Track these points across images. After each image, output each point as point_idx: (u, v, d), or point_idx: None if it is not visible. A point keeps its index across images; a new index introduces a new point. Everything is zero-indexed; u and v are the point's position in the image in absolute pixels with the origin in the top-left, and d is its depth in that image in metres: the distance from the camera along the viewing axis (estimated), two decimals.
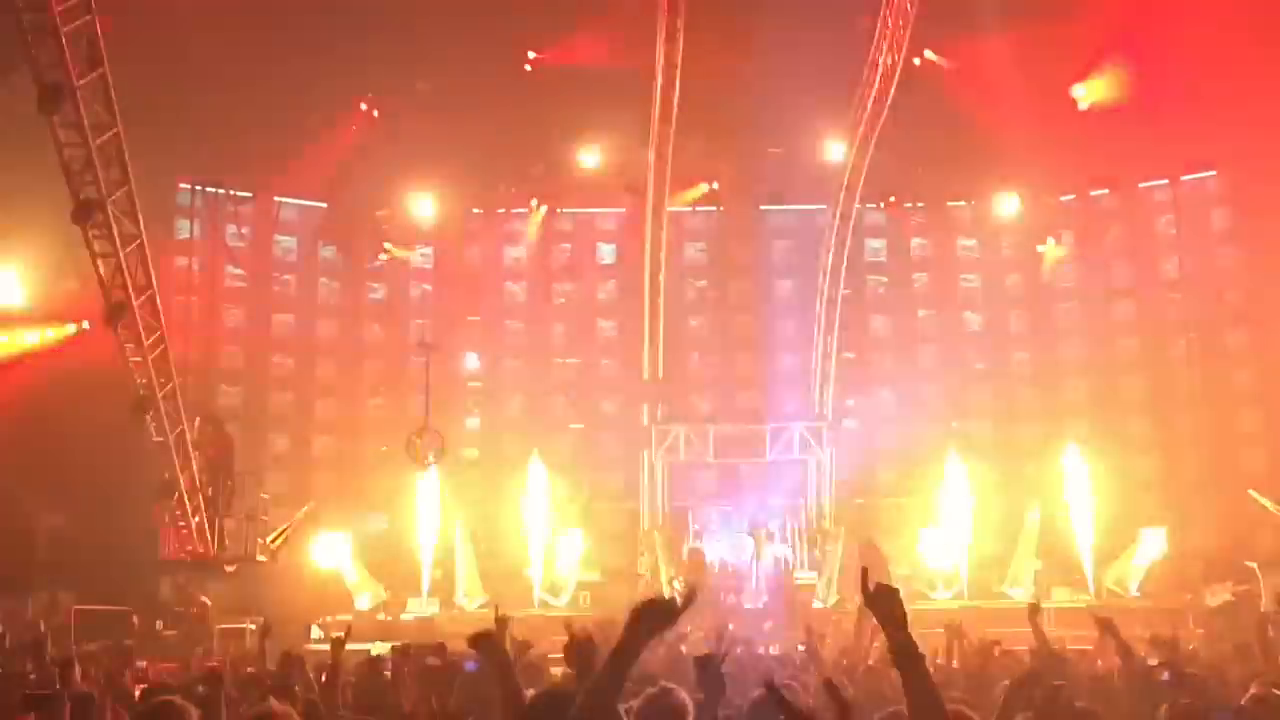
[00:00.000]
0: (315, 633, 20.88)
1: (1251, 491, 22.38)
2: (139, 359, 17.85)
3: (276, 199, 26.93)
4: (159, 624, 20.72)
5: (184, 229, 25.60)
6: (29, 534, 20.66)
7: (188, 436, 19.32)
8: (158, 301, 18.01)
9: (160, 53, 18.74)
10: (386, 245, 27.25)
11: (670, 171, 24.09)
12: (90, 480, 19.93)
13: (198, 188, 25.73)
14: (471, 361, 28.07)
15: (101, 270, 16.83)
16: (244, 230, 26.64)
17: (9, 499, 19.80)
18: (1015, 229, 27.77)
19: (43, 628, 17.72)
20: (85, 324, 20.73)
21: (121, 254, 16.80)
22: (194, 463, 19.50)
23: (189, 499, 19.43)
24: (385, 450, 25.19)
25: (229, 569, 20.68)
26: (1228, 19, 20.11)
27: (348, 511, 25.20)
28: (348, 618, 21.42)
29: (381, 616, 22.36)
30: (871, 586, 4.27)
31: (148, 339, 17.81)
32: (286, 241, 27.48)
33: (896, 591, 4.31)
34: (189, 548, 19.66)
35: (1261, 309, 24.81)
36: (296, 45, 20.56)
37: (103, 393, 19.07)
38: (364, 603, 22.94)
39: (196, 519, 19.72)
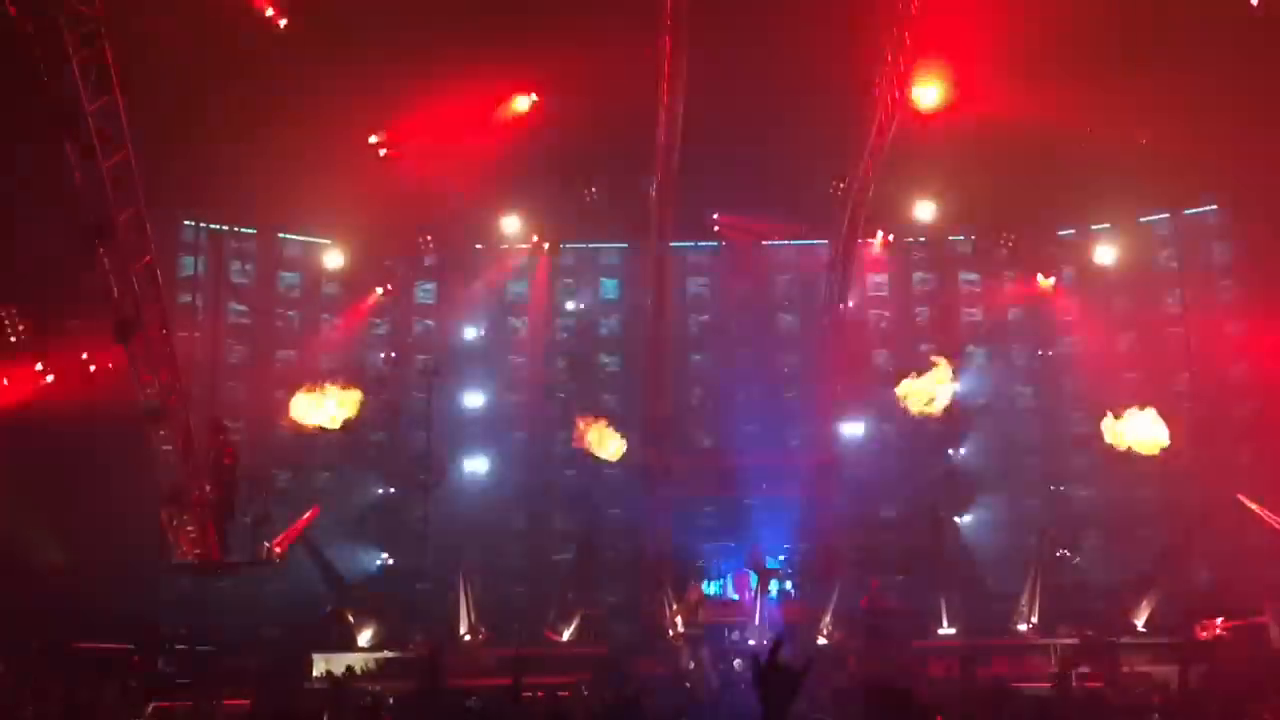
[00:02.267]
0: (318, 668, 20.90)
1: (1240, 496, 22.45)
2: (148, 372, 18.22)
3: (280, 235, 27.03)
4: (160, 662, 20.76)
5: (188, 266, 25.68)
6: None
7: (194, 444, 19.62)
8: (166, 316, 18.48)
9: (163, 92, 18.87)
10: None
11: (674, 208, 24.17)
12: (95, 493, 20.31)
13: (202, 224, 25.84)
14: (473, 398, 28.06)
15: (113, 287, 17.23)
16: (247, 267, 26.73)
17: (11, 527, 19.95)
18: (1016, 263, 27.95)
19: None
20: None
21: (131, 272, 17.20)
22: (201, 469, 19.71)
23: (195, 504, 19.65)
24: None
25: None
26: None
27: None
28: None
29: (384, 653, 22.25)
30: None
31: (156, 352, 18.21)
32: (290, 278, 27.56)
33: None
34: (196, 551, 19.83)
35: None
36: (299, 83, 20.68)
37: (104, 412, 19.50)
38: (364, 639, 22.84)
39: (202, 524, 19.88)
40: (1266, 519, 21.80)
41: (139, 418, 18.87)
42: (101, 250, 16.87)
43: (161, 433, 18.97)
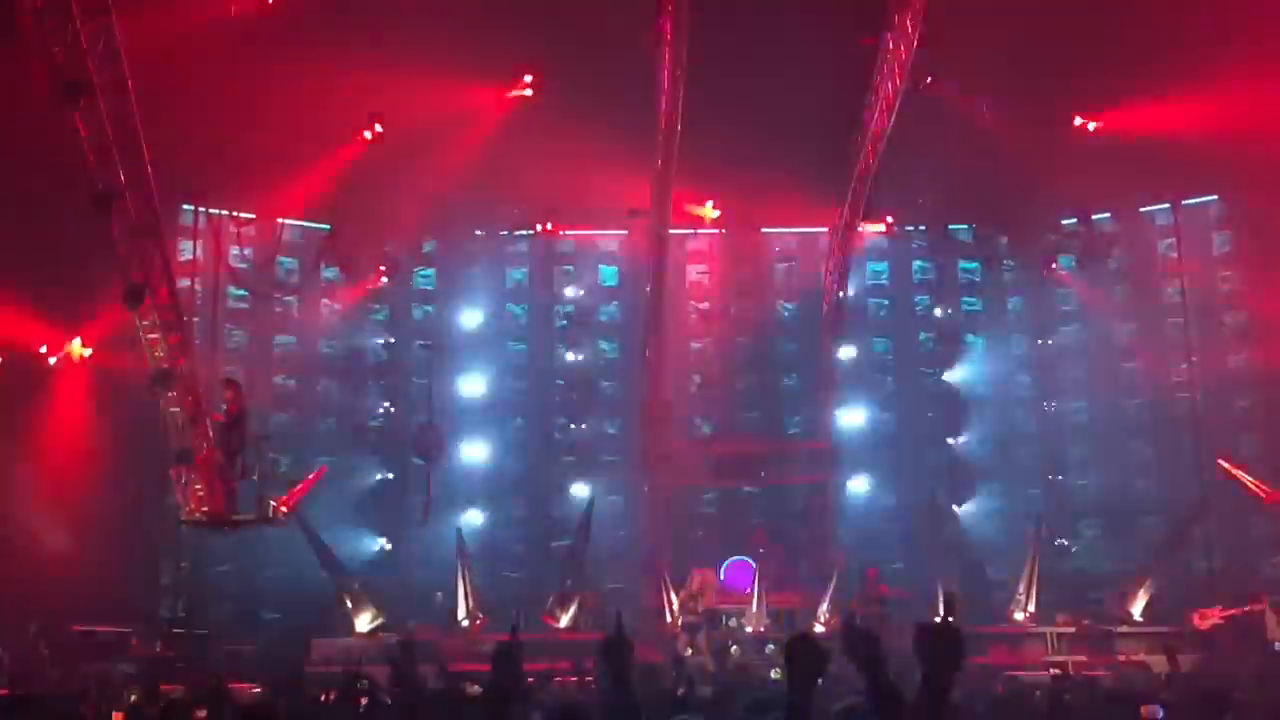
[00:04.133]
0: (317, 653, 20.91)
1: (1221, 461, 22.49)
2: (155, 336, 18.35)
3: (279, 220, 26.95)
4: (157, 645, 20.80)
5: (187, 250, 25.61)
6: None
7: (203, 406, 19.80)
8: (174, 284, 18.90)
9: (163, 74, 18.80)
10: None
11: (673, 193, 24.12)
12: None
13: (201, 209, 25.77)
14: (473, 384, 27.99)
15: (122, 255, 17.41)
16: (247, 251, 26.65)
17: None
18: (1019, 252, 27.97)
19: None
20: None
21: (139, 241, 17.35)
22: (210, 427, 19.86)
23: (203, 463, 19.80)
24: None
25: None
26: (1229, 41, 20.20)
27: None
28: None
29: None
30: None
31: (164, 319, 18.35)
32: (289, 262, 27.51)
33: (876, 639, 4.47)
34: (204, 509, 20.01)
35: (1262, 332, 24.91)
36: (300, 66, 20.62)
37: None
38: (363, 624, 22.88)
39: (211, 482, 20.04)
40: (1246, 483, 21.92)
41: (142, 389, 19.10)
42: (110, 217, 17.06)
43: (171, 395, 19.16)
